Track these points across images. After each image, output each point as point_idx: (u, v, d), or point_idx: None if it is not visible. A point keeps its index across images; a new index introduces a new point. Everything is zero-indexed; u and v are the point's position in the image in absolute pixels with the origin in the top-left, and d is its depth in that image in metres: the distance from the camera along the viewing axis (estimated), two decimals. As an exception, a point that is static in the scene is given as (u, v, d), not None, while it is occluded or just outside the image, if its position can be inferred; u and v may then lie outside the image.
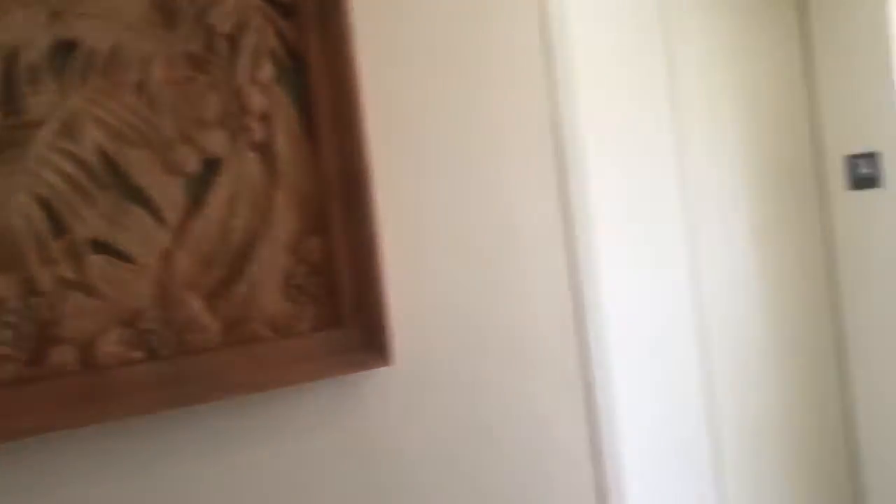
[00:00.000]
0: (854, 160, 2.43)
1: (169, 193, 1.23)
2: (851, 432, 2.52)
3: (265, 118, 1.29)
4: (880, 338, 2.42)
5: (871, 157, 2.39)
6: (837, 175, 2.49)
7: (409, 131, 1.47)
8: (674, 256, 2.27)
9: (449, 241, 1.50)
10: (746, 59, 2.43)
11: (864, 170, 2.41)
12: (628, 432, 2.13)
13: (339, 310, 1.34)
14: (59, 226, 1.15)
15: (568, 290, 1.69)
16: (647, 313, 2.21)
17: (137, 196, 1.21)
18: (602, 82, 2.16)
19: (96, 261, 1.17)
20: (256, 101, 1.29)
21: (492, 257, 1.56)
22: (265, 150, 1.29)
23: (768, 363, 2.41)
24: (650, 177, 2.25)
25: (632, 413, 2.15)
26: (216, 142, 1.26)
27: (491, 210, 1.57)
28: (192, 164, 1.25)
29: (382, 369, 1.38)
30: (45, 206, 1.14)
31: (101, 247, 1.18)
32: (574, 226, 1.70)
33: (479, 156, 1.56)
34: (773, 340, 2.42)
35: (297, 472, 1.34)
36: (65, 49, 1.16)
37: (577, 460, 1.65)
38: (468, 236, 1.53)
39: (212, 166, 1.26)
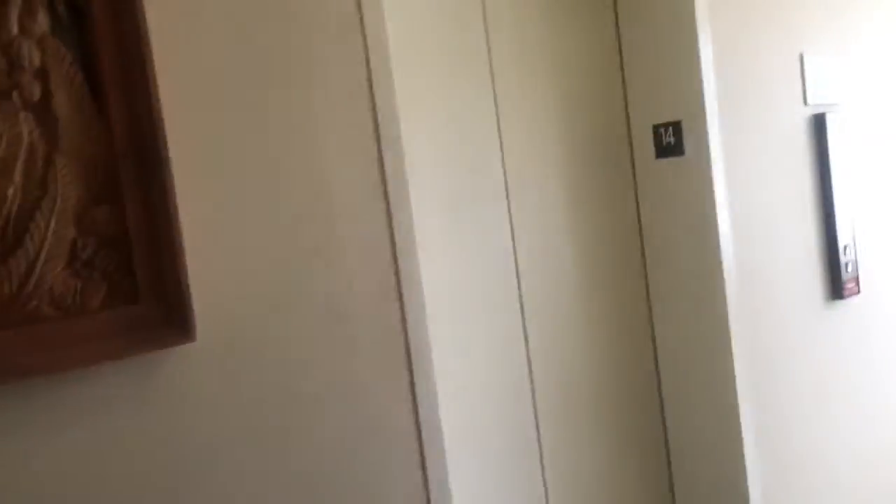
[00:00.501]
0: (660, 129, 2.55)
1: (-74, 158, 1.09)
2: (659, 384, 2.67)
3: (41, 75, 1.17)
4: (679, 293, 2.56)
5: (674, 126, 2.51)
6: (646, 144, 2.60)
7: (210, 89, 1.38)
8: (493, 223, 2.30)
9: (258, 208, 1.43)
10: (561, 31, 2.48)
11: (668, 138, 2.53)
12: (451, 400, 2.15)
13: (134, 284, 1.24)
14: None
15: (387, 258, 1.67)
16: (466, 280, 2.23)
17: None
18: (418, 50, 2.14)
19: None
20: (29, 55, 1.16)
21: (306, 225, 1.50)
22: (42, 111, 1.17)
23: (583, 323, 2.50)
24: (469, 145, 2.25)
25: (453, 380, 2.17)
26: (-18, 100, 1.13)
27: (304, 176, 1.51)
28: (-46, 125, 1.11)
29: (185, 346, 1.29)
30: None
31: None
32: (391, 193, 1.68)
33: (290, 117, 1.49)
34: (587, 301, 2.51)
35: (88, 461, 1.24)
36: None
37: (398, 430, 1.64)
38: (279, 202, 1.47)
39: (-22, 128, 1.13)
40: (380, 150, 1.63)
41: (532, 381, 2.37)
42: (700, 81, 2.44)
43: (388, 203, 1.65)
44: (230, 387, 1.39)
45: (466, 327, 2.22)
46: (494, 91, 2.32)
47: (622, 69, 2.61)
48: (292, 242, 1.48)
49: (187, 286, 1.26)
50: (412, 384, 1.65)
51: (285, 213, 1.47)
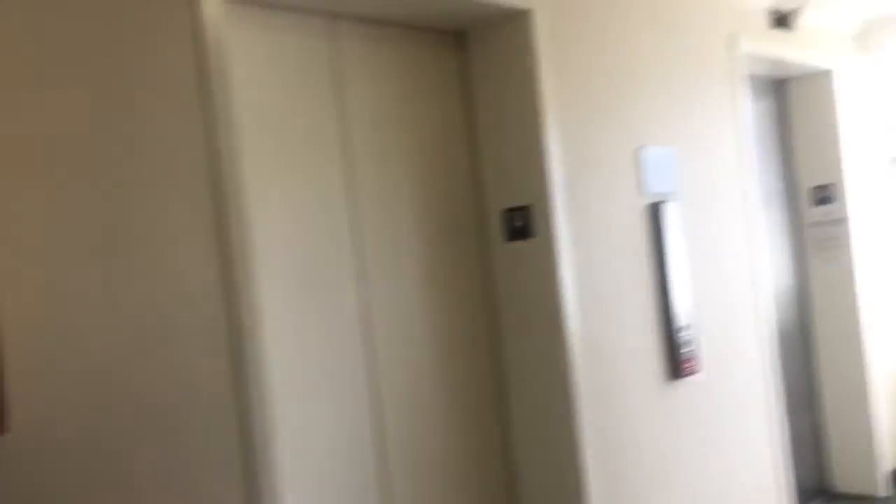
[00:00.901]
0: (510, 213, 2.63)
1: None
2: (510, 458, 2.68)
3: None
4: (530, 371, 2.61)
5: (523, 211, 2.59)
6: (497, 227, 2.67)
7: (45, 162, 1.31)
8: (346, 305, 2.28)
9: (86, 296, 1.35)
10: (416, 121, 2.54)
11: (518, 222, 2.62)
12: (299, 479, 2.07)
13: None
14: None
15: (227, 344, 1.60)
16: (316, 363, 2.18)
17: None
18: (270, 134, 2.13)
19: None
20: None
21: (140, 311, 1.43)
22: None
23: (437, 401, 2.49)
24: (322, 228, 2.24)
25: (302, 460, 2.10)
26: None
27: (136, 262, 1.44)
28: None
29: (-3, 437, 1.18)
30: None
31: None
32: (235, 275, 1.63)
33: (125, 197, 1.43)
34: (442, 380, 2.51)
35: None
36: None
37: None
38: (109, 292, 1.39)
39: None
40: (225, 237, 1.59)
41: (386, 461, 2.32)
42: (547, 170, 2.55)
43: (231, 287, 1.60)
44: (45, 479, 1.27)
45: (317, 409, 2.16)
46: (350, 177, 2.32)
47: (475, 157, 2.70)
48: (123, 327, 1.40)
49: (1, 374, 1.16)
50: (252, 475, 1.58)
51: (114, 303, 1.40)
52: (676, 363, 2.98)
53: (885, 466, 4.30)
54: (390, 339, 2.39)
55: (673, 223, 3.02)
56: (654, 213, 2.98)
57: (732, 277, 3.40)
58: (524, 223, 2.62)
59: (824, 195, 4.29)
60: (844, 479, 4.37)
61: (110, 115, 1.41)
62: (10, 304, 1.19)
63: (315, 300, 2.20)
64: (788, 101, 4.39)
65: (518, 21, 2.54)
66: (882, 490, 4.27)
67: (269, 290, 2.05)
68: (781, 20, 3.83)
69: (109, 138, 1.40)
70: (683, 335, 3.00)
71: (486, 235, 2.70)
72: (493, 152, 2.67)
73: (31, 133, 1.30)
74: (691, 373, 3.02)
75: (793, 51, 3.95)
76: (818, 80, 4.28)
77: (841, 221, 4.25)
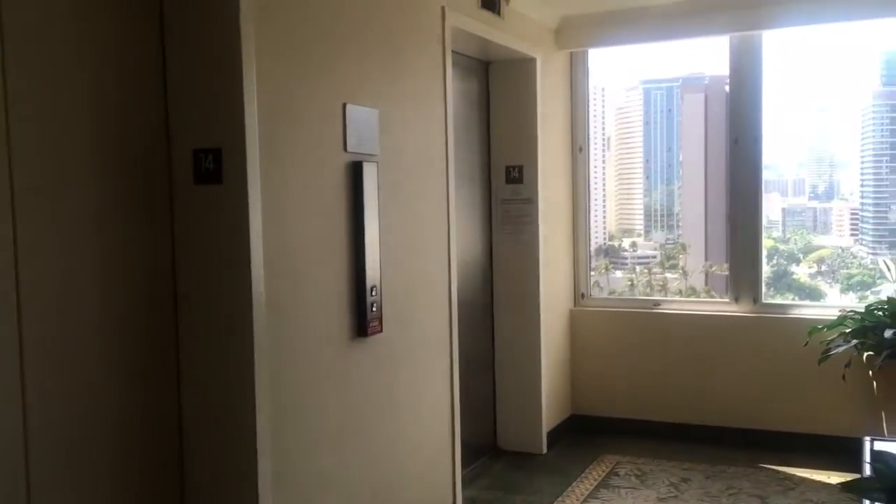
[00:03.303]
0: (200, 154, 2.48)
1: None
2: (180, 422, 2.56)
3: None
4: (208, 322, 2.50)
5: (214, 153, 2.46)
6: (186, 168, 2.50)
7: None
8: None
9: None
10: (95, 34, 2.29)
11: (208, 165, 2.47)
12: None
13: None
14: None
15: None
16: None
17: None
18: None
19: None
20: None
21: None
22: None
23: (101, 358, 2.30)
24: None
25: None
26: None
27: None
28: None
29: None
30: None
31: None
32: None
33: None
34: (106, 330, 2.32)
35: None
36: None
37: None
38: None
39: None
40: None
41: (34, 436, 2.10)
42: (242, 113, 2.42)
43: None
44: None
45: None
46: (6, 94, 2.04)
47: (165, 90, 2.50)
48: None
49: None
50: None
51: None
52: (364, 322, 3.01)
53: (546, 427, 4.74)
54: (40, 294, 2.14)
55: (371, 185, 3.04)
56: (355, 172, 2.98)
57: (424, 243, 3.52)
58: (214, 166, 2.48)
59: (516, 175, 4.59)
60: (512, 438, 4.75)
61: None
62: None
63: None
64: (494, 82, 4.62)
65: (222, -49, 2.39)
66: (543, 448, 4.70)
67: None
68: (489, 1, 4.00)
69: None
70: (372, 295, 3.05)
71: (173, 176, 2.53)
72: (185, 87, 2.50)
73: None
74: (377, 331, 3.08)
75: (500, 34, 4.15)
76: (522, 66, 4.55)
77: (530, 200, 4.57)
